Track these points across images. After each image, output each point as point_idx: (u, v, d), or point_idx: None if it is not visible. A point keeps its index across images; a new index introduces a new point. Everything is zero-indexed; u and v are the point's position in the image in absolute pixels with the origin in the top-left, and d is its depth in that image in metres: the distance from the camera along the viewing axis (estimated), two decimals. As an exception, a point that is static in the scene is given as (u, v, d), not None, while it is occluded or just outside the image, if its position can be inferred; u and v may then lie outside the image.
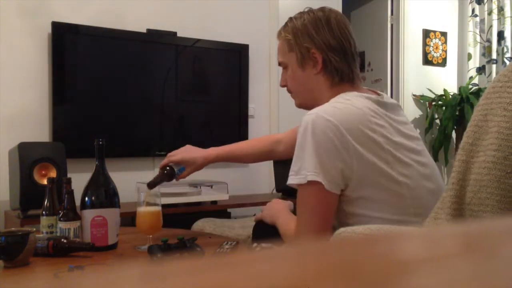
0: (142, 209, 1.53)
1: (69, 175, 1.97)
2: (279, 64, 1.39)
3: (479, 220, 0.93)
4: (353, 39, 1.31)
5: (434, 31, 4.30)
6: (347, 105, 1.20)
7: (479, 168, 0.92)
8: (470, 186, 0.94)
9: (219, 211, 2.80)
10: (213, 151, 1.63)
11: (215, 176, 3.23)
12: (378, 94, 1.32)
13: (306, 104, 1.38)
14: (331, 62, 1.27)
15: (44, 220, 1.56)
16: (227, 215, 2.88)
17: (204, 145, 3.23)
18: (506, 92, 0.91)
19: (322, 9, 1.31)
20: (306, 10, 1.34)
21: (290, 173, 1.20)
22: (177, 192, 2.64)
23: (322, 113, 1.17)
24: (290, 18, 1.35)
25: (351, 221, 1.22)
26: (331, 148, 1.14)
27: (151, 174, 3.08)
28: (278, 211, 1.44)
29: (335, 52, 1.27)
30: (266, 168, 3.43)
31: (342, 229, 1.05)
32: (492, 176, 0.90)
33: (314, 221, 1.19)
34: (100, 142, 1.53)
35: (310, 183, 1.14)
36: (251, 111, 3.40)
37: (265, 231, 1.44)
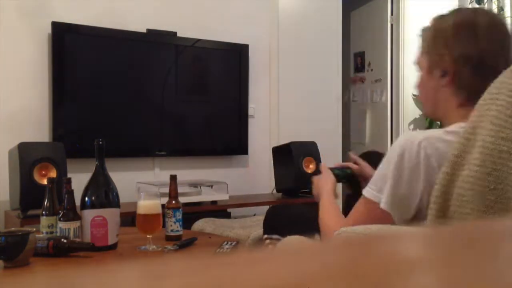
0: (142, 210, 1.53)
1: (69, 175, 1.98)
2: (418, 62, 1.21)
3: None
4: (507, 51, 1.10)
5: (434, 31, 4.30)
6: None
7: (462, 182, 0.90)
8: (453, 200, 0.92)
9: (219, 211, 2.80)
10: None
11: (215, 176, 3.23)
12: None
13: (433, 115, 1.26)
14: (463, 77, 1.09)
15: (44, 220, 1.56)
16: (227, 215, 2.88)
17: (204, 145, 3.24)
18: (494, 104, 0.88)
19: (475, 10, 1.14)
20: (456, 9, 1.17)
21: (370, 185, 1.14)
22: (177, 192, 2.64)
23: (415, 135, 1.08)
24: (440, 17, 1.16)
25: None
26: (408, 168, 1.05)
27: (151, 174, 3.08)
28: (323, 192, 1.38)
29: (471, 66, 1.09)
30: (266, 168, 3.43)
31: (342, 229, 1.05)
32: (474, 191, 0.88)
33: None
34: (100, 142, 1.53)
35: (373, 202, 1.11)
36: (251, 111, 3.41)
37: (276, 222, 1.44)
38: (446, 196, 0.93)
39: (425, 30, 1.18)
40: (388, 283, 0.22)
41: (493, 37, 1.09)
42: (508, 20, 4.14)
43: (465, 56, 1.08)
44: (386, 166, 1.09)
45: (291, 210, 1.52)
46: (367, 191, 1.12)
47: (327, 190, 1.37)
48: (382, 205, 1.07)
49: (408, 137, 1.07)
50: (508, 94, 0.87)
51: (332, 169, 1.51)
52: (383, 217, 1.07)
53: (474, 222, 0.82)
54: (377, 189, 1.10)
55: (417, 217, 1.07)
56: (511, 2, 4.15)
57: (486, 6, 4.24)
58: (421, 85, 1.21)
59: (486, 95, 0.92)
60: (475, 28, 1.08)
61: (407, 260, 0.26)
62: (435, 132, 1.08)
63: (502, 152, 0.85)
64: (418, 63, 1.20)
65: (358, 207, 1.16)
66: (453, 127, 1.08)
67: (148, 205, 1.54)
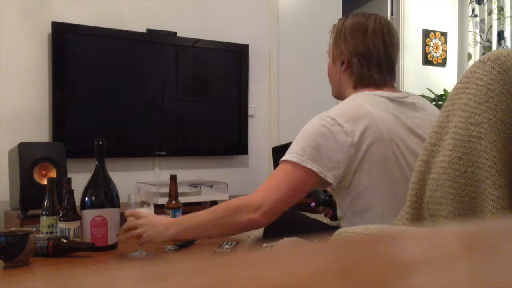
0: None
1: (69, 175, 1.98)
2: (328, 52, 1.53)
3: (436, 219, 0.95)
4: (388, 46, 1.41)
5: (434, 31, 4.30)
6: (353, 103, 1.33)
7: (437, 168, 0.95)
8: (429, 186, 0.96)
9: (219, 211, 2.79)
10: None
11: (215, 176, 3.23)
12: (397, 92, 1.45)
13: (337, 95, 1.56)
14: (354, 66, 1.41)
15: (44, 220, 1.56)
16: (227, 215, 2.88)
17: (204, 145, 3.24)
18: (464, 93, 0.94)
19: (368, 16, 1.43)
20: (355, 14, 1.47)
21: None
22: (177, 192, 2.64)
23: (324, 113, 1.33)
24: (342, 18, 1.49)
25: (355, 215, 1.30)
26: (323, 135, 1.26)
27: (151, 174, 3.08)
28: (165, 221, 1.38)
29: (360, 58, 1.40)
30: (266, 168, 3.43)
31: (342, 229, 1.05)
32: (447, 175, 0.92)
33: (277, 189, 1.26)
34: (100, 142, 1.53)
35: (286, 162, 1.28)
36: (251, 111, 3.41)
37: (277, 230, 1.44)
38: (423, 182, 0.98)
39: (333, 27, 1.48)
40: (387, 283, 0.22)
41: (378, 37, 1.39)
42: (508, 20, 4.14)
43: (356, 51, 1.40)
44: (306, 137, 1.29)
45: (290, 214, 1.52)
46: (288, 157, 1.28)
47: (163, 225, 1.36)
48: (309, 165, 1.23)
49: (320, 116, 1.33)
50: (476, 83, 0.93)
51: (315, 192, 1.62)
52: (307, 180, 1.25)
53: (474, 222, 0.83)
54: (297, 152, 1.27)
55: (350, 180, 1.26)
56: (511, 2, 4.15)
57: (486, 6, 4.24)
58: (329, 72, 1.55)
59: (457, 85, 0.98)
60: (365, 30, 1.40)
61: (407, 260, 0.26)
62: (339, 107, 1.36)
63: (472, 136, 0.90)
64: (328, 53, 1.52)
65: (276, 174, 1.30)
66: (349, 99, 1.38)
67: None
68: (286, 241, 1.45)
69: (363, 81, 1.41)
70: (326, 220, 1.67)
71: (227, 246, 1.52)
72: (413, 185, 0.99)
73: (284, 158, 1.29)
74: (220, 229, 1.33)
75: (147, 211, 1.47)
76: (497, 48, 4.18)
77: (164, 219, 1.41)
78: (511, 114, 0.89)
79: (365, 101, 1.32)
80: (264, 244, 1.59)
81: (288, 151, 1.30)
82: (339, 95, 1.53)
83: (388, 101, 1.34)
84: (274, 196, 1.26)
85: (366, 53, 1.39)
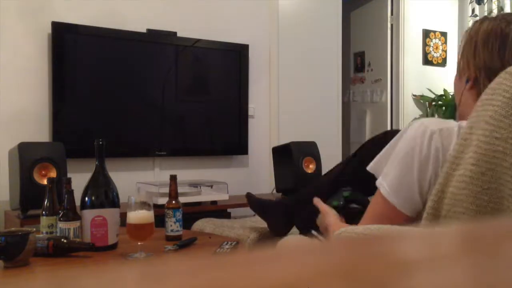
0: (132, 220, 1.45)
1: (69, 175, 1.98)
2: (458, 61, 1.25)
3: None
4: None
5: (434, 31, 4.30)
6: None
7: (457, 182, 0.90)
8: (447, 199, 0.92)
9: (219, 211, 2.80)
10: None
11: (215, 176, 3.23)
12: None
13: (457, 110, 1.26)
14: (482, 86, 1.11)
15: (44, 220, 1.56)
16: (227, 215, 2.88)
17: (204, 145, 3.24)
18: (490, 105, 0.89)
19: (510, 21, 1.12)
20: (493, 17, 1.17)
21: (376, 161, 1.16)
22: (177, 192, 2.64)
23: (429, 125, 1.07)
24: (479, 21, 1.18)
25: None
26: (418, 161, 1.05)
27: (151, 174, 3.08)
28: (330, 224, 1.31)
29: (491, 76, 1.07)
30: (266, 168, 3.43)
31: (342, 229, 1.05)
32: (468, 191, 0.88)
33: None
34: (100, 142, 1.53)
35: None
36: (251, 111, 3.41)
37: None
38: (441, 194, 0.93)
39: (466, 32, 1.19)
40: (388, 284, 0.22)
41: None
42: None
43: (486, 67, 1.10)
44: (395, 155, 1.08)
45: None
46: (381, 185, 1.09)
47: (331, 221, 1.30)
48: (382, 191, 1.07)
49: (422, 128, 1.06)
50: (503, 95, 0.88)
51: (338, 194, 1.47)
52: (394, 215, 1.07)
53: (473, 222, 0.82)
54: (388, 183, 1.08)
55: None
56: (511, 2, 4.15)
57: (486, 6, 4.24)
58: (454, 83, 1.24)
59: (483, 96, 0.92)
60: (504, 39, 1.09)
61: (407, 261, 0.26)
62: (450, 124, 1.08)
63: (496, 152, 0.86)
64: (457, 61, 1.22)
65: (374, 205, 1.13)
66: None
67: (139, 216, 1.46)
68: (291, 238, 1.45)
69: None
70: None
71: (227, 246, 1.52)
72: (432, 197, 0.95)
73: (378, 183, 1.13)
74: None
75: (148, 214, 1.46)
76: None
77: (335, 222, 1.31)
78: None
79: None
80: (313, 232, 1.58)
81: (384, 173, 1.12)
82: (459, 113, 1.24)
83: None
84: None
85: (499, 70, 1.06)
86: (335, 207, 1.43)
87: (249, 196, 1.94)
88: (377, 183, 1.10)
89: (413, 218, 1.07)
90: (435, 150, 1.03)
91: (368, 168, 1.15)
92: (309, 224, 1.58)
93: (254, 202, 1.91)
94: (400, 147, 1.09)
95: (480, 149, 0.87)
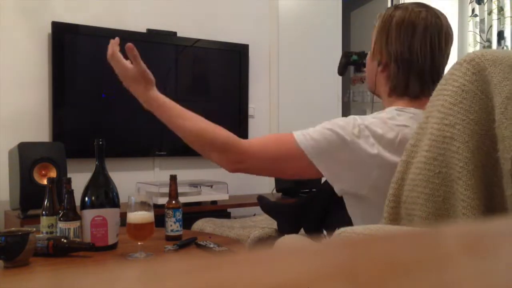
0: (132, 216, 1.45)
1: (69, 175, 1.98)
2: (372, 41, 1.34)
3: (412, 218, 0.98)
4: (436, 52, 1.23)
5: (434, 31, 4.30)
6: (394, 124, 1.15)
7: (414, 168, 0.96)
8: (406, 186, 0.98)
9: (219, 211, 2.80)
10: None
11: (215, 176, 3.23)
12: None
13: (372, 90, 1.36)
14: (391, 71, 1.24)
15: (44, 220, 1.56)
16: (227, 215, 2.88)
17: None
18: (442, 94, 0.96)
19: (419, 12, 1.21)
20: (405, 5, 1.25)
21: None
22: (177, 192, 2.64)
23: (363, 120, 1.15)
24: (392, 8, 1.29)
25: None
26: (344, 135, 1.12)
27: (151, 174, 3.08)
28: (149, 92, 1.44)
29: (399, 63, 1.22)
30: (266, 168, 3.43)
31: (342, 229, 1.05)
32: (422, 176, 0.94)
33: (266, 149, 1.18)
34: (100, 142, 1.53)
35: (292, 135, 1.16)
36: (251, 111, 3.41)
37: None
38: (402, 182, 1.00)
39: (379, 17, 1.31)
40: (388, 284, 0.22)
41: (426, 40, 1.20)
42: (508, 20, 4.14)
43: (396, 55, 1.21)
44: (323, 125, 1.15)
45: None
46: (298, 132, 1.15)
47: (144, 92, 1.40)
48: (308, 154, 1.12)
49: (351, 117, 1.17)
50: (453, 84, 0.94)
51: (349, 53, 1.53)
52: (295, 156, 1.13)
53: (473, 222, 0.83)
54: (304, 133, 1.14)
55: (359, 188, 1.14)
56: (511, 2, 4.15)
57: (486, 6, 4.24)
58: (367, 63, 1.35)
59: (438, 86, 0.99)
60: (413, 30, 1.19)
61: (407, 261, 0.26)
62: (372, 117, 1.19)
63: (446, 137, 0.92)
64: (371, 43, 1.33)
65: (273, 138, 1.21)
66: (384, 112, 1.21)
67: (139, 216, 1.45)
68: (289, 238, 1.45)
69: (399, 91, 1.23)
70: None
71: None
72: (393, 184, 1.01)
73: (294, 132, 1.17)
74: (194, 144, 1.28)
75: (148, 215, 1.46)
76: (497, 48, 4.18)
77: (147, 89, 1.41)
78: (485, 115, 0.90)
79: (410, 123, 1.15)
80: (323, 232, 1.61)
81: (306, 130, 1.17)
82: (374, 92, 1.35)
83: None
84: (261, 156, 1.19)
85: (408, 59, 1.21)
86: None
87: (260, 198, 1.99)
88: (295, 132, 1.16)
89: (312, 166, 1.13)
90: (365, 136, 1.11)
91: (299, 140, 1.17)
92: (316, 225, 1.60)
93: (265, 205, 1.96)
94: (332, 123, 1.15)
95: (433, 136, 0.94)
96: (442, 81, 0.98)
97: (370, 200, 1.16)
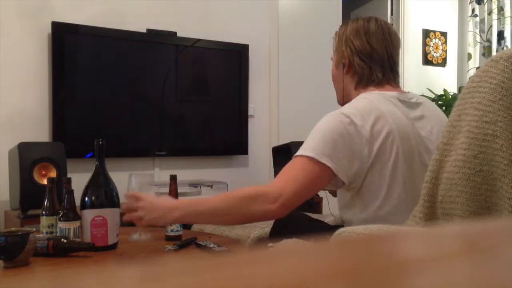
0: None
1: (69, 175, 1.98)
2: (332, 59, 1.58)
3: (450, 218, 0.96)
4: (390, 47, 1.43)
5: (434, 31, 4.30)
6: (364, 102, 1.33)
7: (450, 167, 0.95)
8: (442, 185, 0.96)
9: (219, 211, 2.79)
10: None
11: (215, 176, 3.23)
12: (403, 93, 1.45)
13: (342, 99, 1.54)
14: (355, 65, 1.43)
15: (44, 220, 1.56)
16: (227, 215, 2.88)
17: (204, 145, 3.24)
18: (477, 92, 0.94)
19: (368, 19, 1.45)
20: (355, 19, 1.48)
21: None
22: (177, 192, 2.64)
23: (338, 110, 1.32)
24: (343, 25, 1.52)
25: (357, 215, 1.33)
26: (340, 133, 1.26)
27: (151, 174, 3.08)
28: (169, 203, 1.35)
29: (361, 57, 1.42)
30: (266, 168, 3.43)
31: (342, 229, 1.05)
32: (462, 174, 0.92)
33: (293, 186, 1.23)
34: (100, 142, 1.53)
35: (302, 156, 1.26)
36: (251, 111, 3.41)
37: (284, 230, 1.46)
38: (436, 181, 0.98)
39: (335, 34, 1.53)
40: (388, 283, 0.22)
41: (379, 37, 1.41)
42: (508, 20, 4.14)
43: (357, 50, 1.42)
44: (321, 133, 1.28)
45: (293, 215, 1.52)
46: (303, 152, 1.26)
47: (165, 208, 1.34)
48: (324, 161, 1.23)
49: (334, 113, 1.33)
50: (490, 82, 0.92)
51: None
52: (321, 176, 1.24)
53: (473, 222, 0.83)
54: (312, 148, 1.26)
55: (361, 178, 1.27)
56: (511, 2, 4.15)
57: (486, 6, 4.24)
58: (333, 77, 1.58)
59: (469, 84, 0.98)
60: (367, 31, 1.42)
61: (407, 261, 0.26)
62: (351, 105, 1.35)
63: (486, 135, 0.90)
64: (331, 59, 1.57)
65: (292, 167, 1.27)
66: (359, 98, 1.38)
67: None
68: (288, 242, 1.45)
69: (365, 80, 1.42)
70: (327, 219, 1.67)
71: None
72: (426, 184, 0.99)
73: (299, 153, 1.27)
74: (232, 218, 1.29)
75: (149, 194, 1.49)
76: (497, 48, 4.18)
77: (167, 201, 1.37)
78: None
79: (376, 100, 1.33)
80: (270, 244, 1.60)
81: (303, 146, 1.28)
82: (344, 99, 1.51)
83: (397, 101, 1.36)
84: (292, 187, 1.22)
85: (368, 52, 1.41)
86: None
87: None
88: (298, 153, 1.27)
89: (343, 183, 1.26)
90: (353, 124, 1.26)
91: (303, 152, 1.28)
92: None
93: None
94: (316, 128, 1.31)
95: (472, 134, 0.92)
96: (475, 78, 0.97)
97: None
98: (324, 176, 1.24)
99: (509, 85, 0.90)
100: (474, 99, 0.94)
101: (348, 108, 1.32)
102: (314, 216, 1.73)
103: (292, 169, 1.26)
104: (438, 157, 0.98)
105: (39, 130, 2.74)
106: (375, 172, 1.26)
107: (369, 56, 1.41)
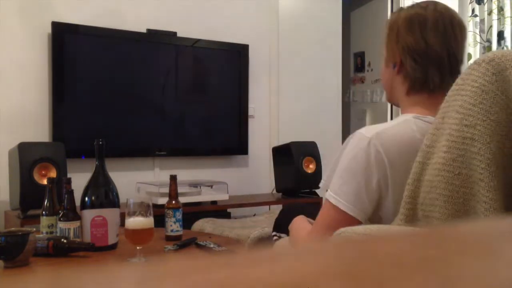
0: (131, 226, 1.41)
1: (69, 175, 1.98)
2: (381, 53, 1.30)
3: (430, 220, 0.96)
4: (453, 43, 1.17)
5: (434, 31, 4.30)
6: (403, 132, 1.13)
7: (431, 170, 0.95)
8: (424, 187, 0.96)
9: (219, 211, 2.80)
10: None
11: (215, 176, 3.23)
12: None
13: (391, 101, 1.31)
14: (408, 66, 1.18)
15: (44, 220, 1.56)
16: (227, 215, 2.88)
17: (204, 145, 3.24)
18: (459, 95, 0.93)
19: (426, 5, 1.18)
20: (410, 5, 1.22)
21: (323, 178, 1.22)
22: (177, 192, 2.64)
23: (369, 133, 1.13)
24: (396, 12, 1.24)
25: None
26: (361, 168, 1.11)
27: (151, 174, 3.08)
28: (296, 220, 1.39)
29: (415, 57, 1.17)
30: (266, 168, 3.43)
31: (342, 229, 1.05)
32: (441, 177, 0.92)
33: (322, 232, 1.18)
34: (100, 142, 1.53)
35: (328, 200, 1.15)
36: (251, 111, 3.41)
37: (288, 221, 1.45)
38: (418, 183, 0.98)
39: (385, 23, 1.25)
40: (387, 284, 0.22)
41: (439, 31, 1.16)
42: (508, 20, 4.14)
43: (410, 48, 1.17)
44: (341, 168, 1.14)
45: (304, 210, 1.52)
46: (330, 196, 1.15)
47: (297, 219, 1.37)
48: (342, 207, 1.11)
49: (359, 137, 1.14)
50: (472, 85, 0.92)
51: None
52: (347, 219, 1.11)
53: (473, 222, 0.83)
54: (335, 192, 1.13)
55: (378, 210, 1.13)
56: (511, 2, 4.15)
57: (486, 6, 4.24)
58: (382, 74, 1.30)
59: (454, 87, 0.97)
60: (422, 23, 1.16)
61: (407, 261, 0.26)
62: (385, 126, 1.15)
63: (466, 138, 0.90)
64: (381, 55, 1.29)
65: (324, 211, 1.18)
66: (401, 118, 1.17)
67: (138, 222, 1.42)
68: (286, 239, 1.46)
69: (419, 85, 1.19)
70: None
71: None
72: (408, 186, 0.99)
73: (326, 195, 1.17)
74: None
75: (146, 221, 1.43)
76: (497, 48, 4.18)
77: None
78: (505, 116, 0.89)
79: (419, 130, 1.13)
80: (274, 233, 1.60)
81: (331, 186, 1.16)
82: (392, 100, 1.31)
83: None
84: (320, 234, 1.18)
85: (423, 51, 1.16)
86: None
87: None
88: (327, 195, 1.15)
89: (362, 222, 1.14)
90: (376, 153, 1.09)
91: (321, 186, 1.19)
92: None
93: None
94: (343, 159, 1.14)
95: (452, 137, 0.92)
96: (458, 81, 0.96)
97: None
98: (345, 220, 1.14)
99: (490, 88, 0.90)
100: (457, 102, 0.94)
101: (382, 135, 1.12)
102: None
103: (322, 218, 1.19)
104: (421, 160, 0.98)
105: (39, 130, 2.74)
106: (390, 202, 1.14)
107: (425, 56, 1.17)
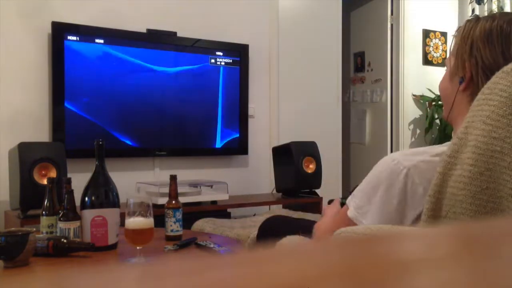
0: (131, 226, 1.41)
1: (69, 175, 1.98)
2: (446, 63, 1.18)
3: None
4: None
5: (434, 31, 4.30)
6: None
7: (455, 182, 0.90)
8: (446, 200, 0.92)
9: (219, 211, 2.80)
10: None
11: (215, 176, 3.23)
12: None
13: (447, 117, 1.17)
14: (478, 84, 1.04)
15: (44, 220, 1.56)
16: (227, 215, 2.88)
17: (203, 145, 3.24)
18: (487, 105, 0.88)
19: (510, 19, 1.06)
20: (490, 15, 1.10)
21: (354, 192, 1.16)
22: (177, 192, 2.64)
23: (403, 161, 1.07)
24: (472, 20, 1.11)
25: None
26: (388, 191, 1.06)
27: (151, 174, 3.08)
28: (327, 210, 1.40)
29: (489, 75, 0.99)
30: (266, 168, 3.43)
31: (342, 229, 1.05)
32: (467, 191, 0.88)
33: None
34: (100, 142, 1.53)
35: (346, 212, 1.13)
36: (251, 111, 3.40)
37: (272, 229, 1.45)
38: (440, 195, 0.93)
39: (458, 31, 1.13)
40: (388, 284, 0.22)
41: None
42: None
43: (487, 65, 1.04)
44: (372, 191, 1.08)
45: (289, 223, 1.52)
46: (351, 212, 1.11)
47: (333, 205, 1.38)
48: (357, 221, 1.09)
49: (395, 166, 1.06)
50: (500, 94, 0.87)
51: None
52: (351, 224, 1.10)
53: (473, 222, 0.82)
54: (361, 213, 1.10)
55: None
56: (511, 2, 4.15)
57: (486, 6, 4.24)
58: (442, 86, 1.18)
59: (479, 96, 0.91)
60: (505, 36, 1.04)
61: (407, 261, 0.26)
62: (423, 156, 1.08)
63: (494, 151, 0.86)
64: (446, 62, 1.18)
65: (338, 221, 1.17)
66: (442, 148, 1.07)
67: (138, 222, 1.41)
68: (288, 240, 1.45)
69: None
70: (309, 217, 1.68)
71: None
72: (430, 198, 0.94)
73: (348, 210, 1.14)
74: None
75: (146, 221, 1.42)
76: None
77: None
78: None
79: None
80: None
81: (353, 201, 1.13)
82: (450, 119, 1.16)
83: None
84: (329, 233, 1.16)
85: (496, 70, 0.97)
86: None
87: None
88: (357, 219, 1.11)
89: None
90: (412, 185, 1.04)
91: (349, 214, 1.13)
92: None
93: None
94: (375, 184, 1.09)
95: (478, 149, 0.87)
96: (485, 91, 0.90)
97: None
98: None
99: None
100: (483, 112, 0.88)
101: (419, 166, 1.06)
102: (295, 215, 1.73)
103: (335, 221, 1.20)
104: (442, 170, 0.93)
105: (39, 130, 2.74)
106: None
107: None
